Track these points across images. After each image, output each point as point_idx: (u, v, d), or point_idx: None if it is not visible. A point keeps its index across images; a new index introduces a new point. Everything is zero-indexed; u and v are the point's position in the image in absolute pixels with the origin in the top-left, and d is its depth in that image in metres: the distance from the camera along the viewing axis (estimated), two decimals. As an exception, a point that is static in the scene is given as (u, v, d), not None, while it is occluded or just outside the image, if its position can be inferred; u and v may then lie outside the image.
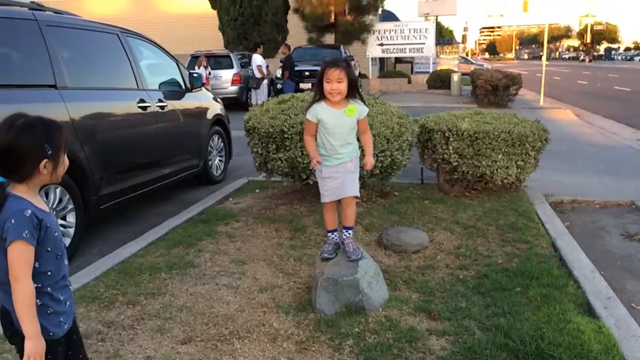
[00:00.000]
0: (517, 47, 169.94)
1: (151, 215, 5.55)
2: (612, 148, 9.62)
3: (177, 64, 6.43)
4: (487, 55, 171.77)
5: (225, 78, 16.55)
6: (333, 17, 22.59)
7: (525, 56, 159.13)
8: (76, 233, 4.33)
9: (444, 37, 49.90)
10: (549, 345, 2.67)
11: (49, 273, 1.76)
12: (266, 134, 5.01)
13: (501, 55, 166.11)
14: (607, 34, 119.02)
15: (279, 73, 16.82)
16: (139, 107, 5.23)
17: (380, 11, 25.74)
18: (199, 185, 6.76)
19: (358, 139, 3.30)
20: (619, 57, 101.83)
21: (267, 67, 15.80)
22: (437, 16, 29.20)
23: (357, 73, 20.91)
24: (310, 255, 3.95)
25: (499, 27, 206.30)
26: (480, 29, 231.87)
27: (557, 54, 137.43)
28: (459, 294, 3.36)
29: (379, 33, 24.10)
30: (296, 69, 15.71)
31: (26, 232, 1.64)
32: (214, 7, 22.29)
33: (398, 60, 31.47)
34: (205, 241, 4.35)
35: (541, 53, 28.27)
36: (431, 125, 5.60)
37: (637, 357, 2.67)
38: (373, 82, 23.82)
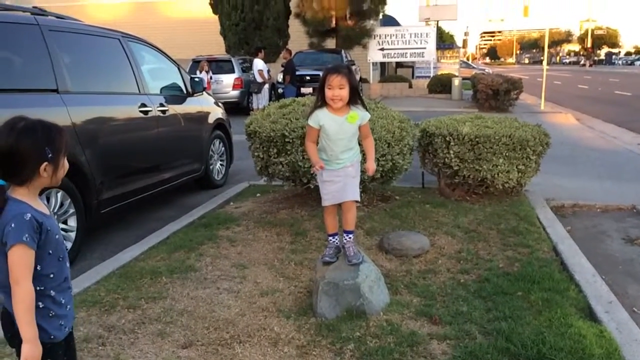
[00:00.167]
0: (518, 52, 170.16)
1: (152, 219, 5.56)
2: (613, 152, 9.61)
3: (179, 69, 6.44)
4: (487, 59, 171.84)
5: (227, 82, 16.57)
6: (334, 22, 22.64)
7: (526, 61, 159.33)
8: (77, 237, 4.34)
9: (444, 41, 49.98)
10: (550, 349, 2.66)
11: (52, 275, 1.76)
12: (267, 138, 5.02)
13: (502, 59, 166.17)
14: (607, 39, 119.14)
15: (280, 78, 16.85)
16: (141, 111, 5.24)
17: (381, 16, 25.83)
18: (200, 189, 6.77)
19: (360, 143, 3.31)
20: (620, 62, 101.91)
21: (269, 71, 15.83)
22: (437, 21, 29.20)
23: (358, 78, 20.95)
24: (311, 260, 3.95)
25: (499, 32, 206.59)
26: (481, 33, 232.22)
27: (558, 58, 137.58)
28: (460, 298, 3.35)
29: (380, 38, 24.15)
30: (297, 73, 15.74)
31: (26, 235, 1.64)
32: (215, 12, 22.34)
33: (399, 64, 31.52)
34: (206, 245, 4.35)
35: (542, 57, 28.30)
36: (432, 130, 5.60)
37: (639, 362, 2.66)
38: (374, 87, 23.85)
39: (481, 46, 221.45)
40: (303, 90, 15.75)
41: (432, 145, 5.61)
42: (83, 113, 4.48)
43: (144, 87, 5.46)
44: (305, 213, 5.14)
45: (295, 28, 22.76)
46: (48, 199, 3.97)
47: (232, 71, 16.73)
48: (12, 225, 1.64)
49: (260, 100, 15.24)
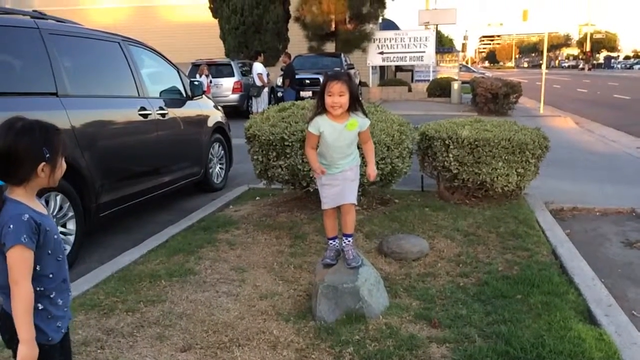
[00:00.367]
0: (517, 56, 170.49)
1: (151, 222, 5.55)
2: (612, 156, 9.62)
3: (178, 72, 6.45)
4: (487, 63, 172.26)
5: (226, 86, 16.60)
6: (334, 26, 22.69)
7: (525, 64, 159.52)
8: (76, 240, 4.33)
9: (444, 45, 50.04)
10: (549, 353, 2.66)
11: (51, 276, 1.77)
12: (267, 142, 5.02)
13: (501, 63, 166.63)
14: (606, 43, 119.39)
15: (279, 81, 16.87)
16: (140, 114, 5.25)
17: (380, 20, 25.88)
18: (199, 192, 6.77)
19: (359, 147, 3.31)
20: (619, 66, 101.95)
21: (268, 75, 15.85)
22: (437, 25, 29.30)
23: (357, 81, 20.99)
24: (311, 263, 3.95)
25: (498, 36, 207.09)
26: (480, 37, 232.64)
27: (557, 62, 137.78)
28: (460, 302, 3.35)
29: (379, 41, 24.19)
30: (297, 77, 15.76)
31: (25, 236, 1.64)
32: (215, 15, 22.39)
33: (398, 68, 31.54)
34: (205, 249, 4.35)
35: (541, 61, 28.37)
36: (431, 133, 5.61)
37: (639, 365, 2.66)
38: (373, 91, 23.88)
39: (480, 50, 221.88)
40: (302, 93, 15.77)
41: (431, 148, 5.62)
42: (82, 116, 4.48)
43: (144, 90, 5.46)
44: (305, 216, 5.14)
45: (295, 32, 22.80)
46: (47, 202, 3.96)
47: (232, 75, 16.76)
48: (11, 226, 1.64)
49: (260, 103, 15.26)
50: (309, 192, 5.13)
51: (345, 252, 3.27)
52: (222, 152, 7.19)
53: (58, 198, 4.12)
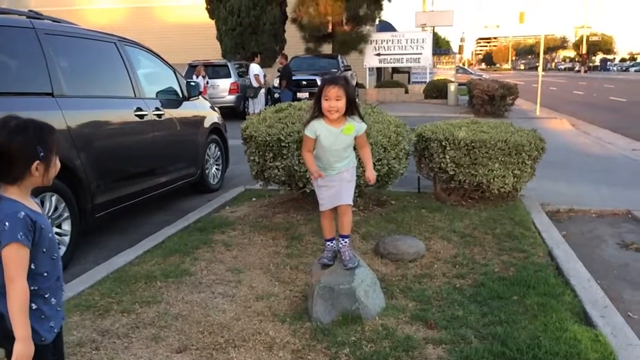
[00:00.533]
0: (514, 58, 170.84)
1: (147, 223, 5.54)
2: (608, 158, 9.65)
3: (175, 73, 6.44)
4: (483, 65, 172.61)
5: (223, 87, 16.59)
6: (330, 27, 22.71)
7: (522, 67, 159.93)
8: (71, 241, 4.32)
9: (440, 47, 50.12)
10: (545, 354, 2.66)
11: (45, 274, 1.76)
12: (263, 143, 5.01)
13: (498, 65, 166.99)
14: (602, 45, 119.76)
15: (276, 82, 16.88)
16: (136, 115, 5.24)
17: (377, 21, 25.94)
18: (195, 193, 6.76)
19: (354, 148, 3.31)
20: (615, 68, 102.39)
21: (265, 76, 15.85)
22: (434, 27, 29.38)
23: (354, 83, 20.99)
24: (307, 264, 3.95)
25: (495, 38, 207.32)
26: (477, 39, 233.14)
27: (553, 64, 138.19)
28: (456, 303, 3.35)
29: (376, 43, 24.23)
30: (293, 78, 15.77)
31: (21, 234, 1.64)
32: (211, 17, 22.37)
33: (395, 70, 31.64)
34: (201, 249, 4.34)
35: (537, 64, 28.41)
36: (428, 134, 5.61)
37: (634, 366, 2.66)
38: (370, 92, 23.90)
39: (477, 52, 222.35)
40: (299, 95, 15.78)
41: (428, 150, 5.62)
42: (78, 117, 4.47)
43: (140, 91, 5.45)
44: (301, 217, 5.14)
45: (292, 33, 22.81)
46: (42, 203, 3.95)
47: (229, 76, 16.75)
48: (6, 224, 1.64)
49: (257, 104, 15.26)
50: (306, 193, 5.12)
51: (342, 253, 3.26)
52: (219, 153, 7.18)
53: (53, 198, 4.10)
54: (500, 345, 2.78)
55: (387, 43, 24.35)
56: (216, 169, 7.15)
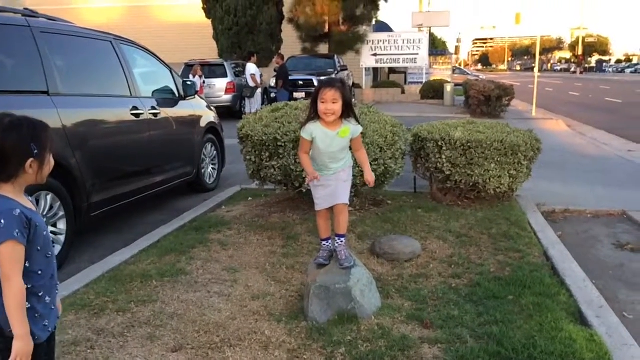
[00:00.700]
0: (510, 59, 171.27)
1: (143, 223, 5.52)
2: (604, 158, 9.68)
3: (171, 72, 6.43)
4: (479, 66, 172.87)
5: (219, 87, 16.57)
6: (327, 27, 22.72)
7: (518, 67, 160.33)
8: (67, 240, 4.30)
9: (437, 48, 50.19)
10: (541, 353, 2.67)
11: (39, 272, 1.76)
12: (259, 142, 5.01)
13: (494, 66, 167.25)
14: (598, 46, 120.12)
15: (272, 82, 16.87)
16: (132, 114, 5.22)
17: (374, 22, 25.93)
18: (191, 193, 6.74)
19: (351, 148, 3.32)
20: (610, 69, 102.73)
21: (261, 76, 15.84)
22: (430, 27, 29.38)
23: (351, 83, 21.00)
24: (303, 263, 3.94)
25: (491, 39, 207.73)
26: (473, 40, 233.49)
27: (549, 65, 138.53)
28: (452, 302, 3.35)
29: (372, 43, 24.26)
30: (290, 78, 15.76)
31: (17, 231, 1.64)
32: (208, 16, 22.34)
33: (392, 70, 31.63)
34: (197, 249, 4.33)
35: (533, 64, 28.49)
36: (424, 134, 5.62)
37: (629, 366, 2.67)
38: (367, 92, 23.91)
39: (473, 53, 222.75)
40: (296, 94, 15.78)
41: (424, 150, 5.62)
42: (74, 115, 4.45)
43: (136, 90, 5.44)
44: (297, 217, 5.13)
45: (289, 33, 22.81)
46: (37, 201, 3.93)
47: (225, 75, 16.73)
48: (2, 221, 1.63)
49: (253, 104, 15.25)
50: (302, 193, 5.12)
51: (338, 252, 3.26)
52: (215, 152, 7.17)
53: (49, 197, 4.08)
54: (495, 344, 2.78)
55: (383, 43, 24.38)
56: (212, 168, 7.13)
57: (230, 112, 15.67)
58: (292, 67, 17.35)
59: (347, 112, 3.13)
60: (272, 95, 16.49)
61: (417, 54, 24.37)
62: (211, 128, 6.98)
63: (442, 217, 5.14)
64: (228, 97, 16.57)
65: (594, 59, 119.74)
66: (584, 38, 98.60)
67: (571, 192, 6.85)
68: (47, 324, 1.80)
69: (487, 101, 16.50)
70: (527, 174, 5.63)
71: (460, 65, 62.45)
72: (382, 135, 5.01)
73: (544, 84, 43.65)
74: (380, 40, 24.46)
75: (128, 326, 3.06)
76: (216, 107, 8.02)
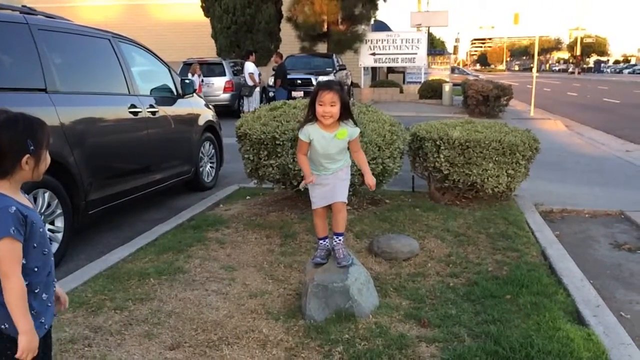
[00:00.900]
0: (508, 59, 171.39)
1: (141, 221, 5.52)
2: (602, 159, 9.69)
3: (169, 70, 6.42)
4: (478, 66, 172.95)
5: (218, 85, 16.55)
6: (326, 27, 22.71)
7: (516, 68, 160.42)
8: (64, 238, 4.29)
9: (435, 47, 50.24)
10: (538, 352, 2.67)
11: (36, 269, 1.75)
12: (258, 141, 5.00)
13: (492, 66, 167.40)
14: (596, 47, 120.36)
15: (271, 81, 16.85)
16: (130, 112, 5.21)
17: (372, 21, 25.92)
18: (189, 191, 6.74)
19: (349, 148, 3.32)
20: (608, 70, 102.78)
21: (259, 75, 15.82)
22: (429, 27, 29.40)
23: (349, 82, 21.00)
24: (301, 262, 3.94)
25: (490, 39, 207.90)
26: (472, 40, 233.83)
27: (548, 66, 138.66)
28: (449, 301, 3.36)
29: (371, 43, 24.24)
30: (288, 77, 15.74)
31: (13, 228, 1.64)
32: (207, 15, 22.32)
33: (390, 70, 31.64)
34: (195, 247, 4.33)
35: (531, 65, 28.55)
36: (422, 134, 5.62)
37: (626, 365, 2.67)
38: (365, 92, 23.90)
39: (472, 53, 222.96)
40: (294, 93, 15.75)
41: (422, 149, 5.62)
42: (72, 113, 4.44)
43: (134, 88, 5.43)
44: (295, 216, 5.13)
45: (287, 32, 22.78)
46: (35, 199, 3.93)
47: (223, 74, 16.71)
48: None
49: (251, 103, 15.23)
50: (300, 192, 5.11)
51: (336, 250, 3.26)
52: (213, 151, 7.16)
53: (46, 195, 4.07)
54: (493, 343, 2.78)
55: (382, 43, 24.37)
56: (210, 166, 7.13)
57: (228, 111, 15.65)
58: (290, 66, 17.32)
59: (345, 114, 3.14)
60: (271, 94, 16.48)
61: (416, 54, 24.36)
62: (209, 126, 6.97)
63: (440, 216, 5.14)
64: (226, 95, 16.56)
65: (592, 60, 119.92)
66: (582, 38, 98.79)
67: (569, 192, 6.86)
68: (43, 321, 1.79)
69: (486, 101, 16.52)
70: (525, 173, 5.63)
71: (458, 65, 62.49)
72: (381, 135, 5.01)
73: (542, 84, 43.69)
74: (379, 40, 24.45)
75: (125, 324, 3.05)
76: (214, 106, 8.02)
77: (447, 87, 21.85)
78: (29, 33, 4.21)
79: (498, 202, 5.63)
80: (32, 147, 1.70)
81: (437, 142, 5.44)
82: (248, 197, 6.02)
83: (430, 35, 31.51)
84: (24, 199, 1.77)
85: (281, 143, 4.87)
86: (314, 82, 15.82)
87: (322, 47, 23.14)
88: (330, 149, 3.16)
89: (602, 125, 14.80)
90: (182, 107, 6.37)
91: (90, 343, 2.85)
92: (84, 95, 4.76)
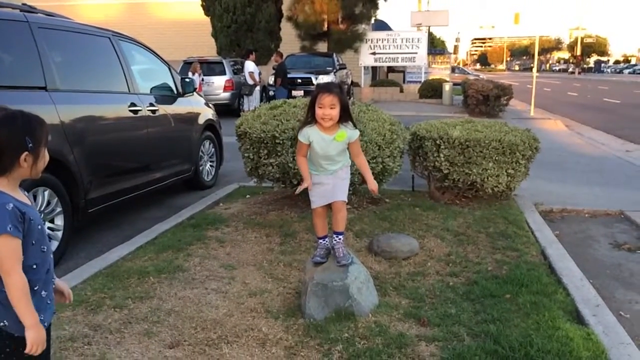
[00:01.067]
0: (508, 59, 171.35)
1: (141, 219, 5.52)
2: (602, 158, 9.69)
3: (169, 69, 6.42)
4: (478, 66, 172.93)
5: (218, 84, 16.54)
6: (326, 26, 22.70)
7: (516, 67, 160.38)
8: (64, 236, 4.29)
9: (436, 47, 50.24)
10: (538, 352, 2.67)
11: (34, 266, 1.76)
12: (258, 139, 5.00)
13: (492, 66, 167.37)
14: (596, 47, 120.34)
15: (271, 80, 16.84)
16: (130, 110, 5.21)
17: (373, 20, 25.91)
18: (189, 190, 6.74)
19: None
20: (609, 70, 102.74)
21: (260, 74, 15.81)
22: (429, 26, 29.40)
23: (349, 82, 20.99)
24: (300, 261, 3.94)
25: (490, 39, 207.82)
26: (472, 39, 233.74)
27: (548, 65, 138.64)
28: (449, 301, 3.36)
29: (371, 42, 24.23)
30: (289, 76, 15.74)
31: (10, 226, 1.64)
32: (207, 14, 22.30)
33: (390, 69, 31.63)
34: (194, 246, 4.33)
35: (532, 64, 28.55)
36: (422, 133, 5.62)
37: (626, 365, 2.67)
38: (365, 91, 23.90)
39: (472, 52, 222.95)
40: (294, 93, 15.75)
41: (422, 148, 5.62)
42: (72, 111, 4.44)
43: (134, 86, 5.43)
44: (295, 215, 5.13)
45: (287, 31, 22.77)
46: (35, 197, 3.92)
47: (223, 73, 16.71)
48: None
49: (251, 102, 15.22)
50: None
51: (336, 249, 3.26)
52: (213, 149, 7.16)
53: (46, 193, 4.07)
54: (492, 343, 2.78)
55: (382, 42, 24.36)
56: (210, 165, 7.13)
57: (228, 110, 15.64)
58: (290, 65, 17.32)
59: (345, 116, 3.14)
60: (271, 93, 16.46)
61: (416, 53, 24.35)
62: (209, 125, 6.97)
63: (440, 215, 5.14)
64: (226, 94, 16.56)
65: (592, 60, 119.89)
66: (582, 38, 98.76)
67: (569, 191, 6.86)
68: (42, 318, 1.79)
69: (486, 100, 16.52)
70: (524, 173, 5.63)
71: (458, 64, 62.48)
72: (381, 134, 5.01)
73: (543, 84, 43.69)
74: (379, 39, 24.44)
75: (125, 322, 3.05)
76: (214, 105, 8.01)
77: (447, 87, 21.85)
78: (29, 31, 4.21)
79: (498, 202, 5.63)
80: (30, 145, 1.71)
81: (437, 142, 5.44)
82: (248, 196, 6.02)
83: (430, 34, 31.52)
84: (23, 196, 1.77)
85: (281, 142, 4.87)
86: (314, 81, 15.82)
87: (322, 46, 23.14)
88: (330, 151, 3.16)
89: (602, 125, 14.80)
90: (182, 106, 6.37)
91: (89, 341, 2.85)
92: (84, 93, 4.75)
